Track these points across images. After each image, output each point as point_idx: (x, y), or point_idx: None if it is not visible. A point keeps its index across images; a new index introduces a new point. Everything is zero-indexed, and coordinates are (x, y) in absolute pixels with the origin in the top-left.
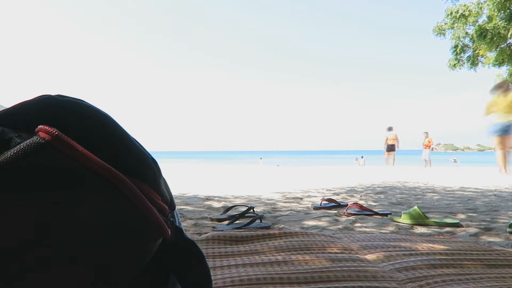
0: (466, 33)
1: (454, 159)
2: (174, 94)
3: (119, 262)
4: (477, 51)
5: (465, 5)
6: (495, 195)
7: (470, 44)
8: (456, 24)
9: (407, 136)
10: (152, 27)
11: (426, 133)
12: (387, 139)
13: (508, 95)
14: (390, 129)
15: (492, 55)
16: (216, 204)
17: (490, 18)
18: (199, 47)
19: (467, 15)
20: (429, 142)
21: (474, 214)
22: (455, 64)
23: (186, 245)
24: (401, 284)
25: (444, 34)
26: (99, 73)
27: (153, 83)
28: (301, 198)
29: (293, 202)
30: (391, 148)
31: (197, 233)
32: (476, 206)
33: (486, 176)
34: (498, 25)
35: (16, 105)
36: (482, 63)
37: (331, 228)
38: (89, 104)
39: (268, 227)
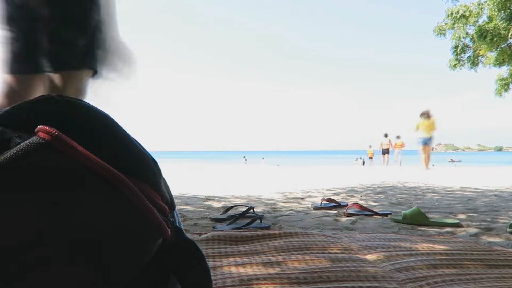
0: (467, 33)
1: (451, 159)
2: (174, 94)
3: (119, 262)
4: (477, 51)
5: (465, 5)
6: (495, 195)
7: (471, 44)
8: (456, 25)
9: (408, 136)
10: (152, 27)
11: (397, 137)
12: (381, 144)
13: (428, 119)
14: (386, 135)
15: (492, 55)
16: (216, 204)
17: (490, 19)
18: (199, 47)
19: (467, 15)
20: (401, 144)
21: (475, 214)
22: (455, 64)
23: (186, 245)
24: (401, 284)
25: (444, 35)
26: None
27: (153, 83)
28: (301, 198)
29: (293, 202)
30: (386, 151)
31: (197, 233)
32: (477, 206)
33: (486, 176)
34: (499, 26)
35: (16, 105)
36: (483, 63)
37: (331, 228)
38: (89, 104)
39: (268, 227)
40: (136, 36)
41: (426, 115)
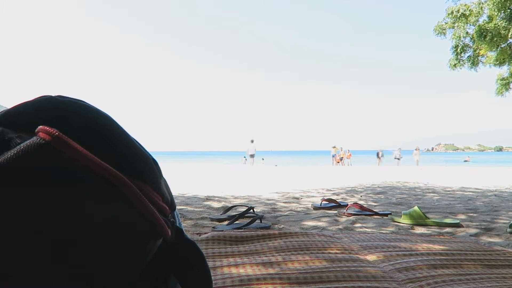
0: (467, 32)
1: (467, 158)
2: (173, 94)
3: (119, 262)
4: (477, 51)
5: (465, 4)
6: (495, 195)
7: (471, 44)
8: (456, 24)
9: (407, 136)
10: (152, 27)
11: (340, 148)
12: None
13: (335, 148)
14: (334, 146)
15: (492, 54)
16: (216, 204)
17: (490, 18)
18: (199, 46)
19: (467, 14)
20: (343, 154)
21: (475, 214)
22: (455, 64)
23: (187, 245)
24: (401, 284)
25: (444, 34)
26: (102, 74)
27: (152, 83)
28: (301, 198)
29: (293, 202)
30: (333, 155)
31: (197, 233)
32: (477, 206)
33: (486, 176)
34: (499, 25)
35: (16, 105)
36: (483, 63)
37: (331, 228)
38: (89, 105)
39: (268, 227)
40: (137, 36)
41: (334, 146)
